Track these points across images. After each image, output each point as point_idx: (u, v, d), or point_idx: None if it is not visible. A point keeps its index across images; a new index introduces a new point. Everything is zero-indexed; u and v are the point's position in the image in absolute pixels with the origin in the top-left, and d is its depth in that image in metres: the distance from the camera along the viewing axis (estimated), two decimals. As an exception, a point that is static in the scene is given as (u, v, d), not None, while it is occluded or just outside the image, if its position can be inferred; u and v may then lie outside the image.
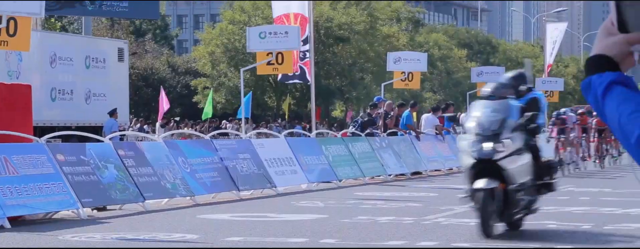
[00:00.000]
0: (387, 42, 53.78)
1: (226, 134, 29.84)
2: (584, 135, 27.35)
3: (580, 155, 26.94)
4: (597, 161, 28.26)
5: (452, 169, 25.10)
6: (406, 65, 27.18)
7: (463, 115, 17.02)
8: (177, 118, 46.47)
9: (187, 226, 12.86)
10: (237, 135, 23.39)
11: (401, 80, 27.22)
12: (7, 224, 12.53)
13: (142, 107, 53.81)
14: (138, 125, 40.93)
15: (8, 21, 13.63)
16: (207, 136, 19.01)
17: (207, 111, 36.89)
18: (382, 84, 29.80)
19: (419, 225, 12.91)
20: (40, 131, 17.43)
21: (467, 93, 35.79)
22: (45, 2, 14.16)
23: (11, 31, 13.73)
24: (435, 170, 25.28)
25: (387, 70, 28.67)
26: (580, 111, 28.38)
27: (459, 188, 18.62)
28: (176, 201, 15.92)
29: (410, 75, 27.10)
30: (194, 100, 53.35)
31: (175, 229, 12.50)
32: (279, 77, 26.21)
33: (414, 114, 27.42)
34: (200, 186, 16.54)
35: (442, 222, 13.31)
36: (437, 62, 59.67)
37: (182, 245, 11.26)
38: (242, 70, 24.91)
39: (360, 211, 14.69)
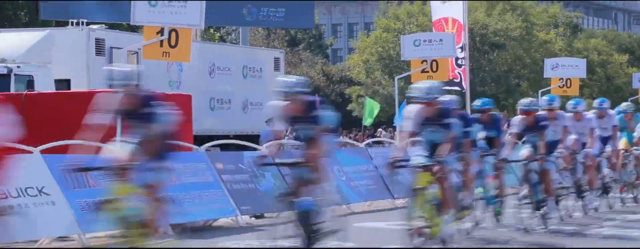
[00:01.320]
0: (544, 48, 52.82)
1: (381, 142, 29.87)
2: None
3: None
4: None
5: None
6: (564, 71, 26.63)
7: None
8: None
9: (343, 234, 12.92)
10: (391, 143, 23.39)
11: (559, 86, 26.68)
12: (170, 231, 12.85)
13: (299, 115, 54.53)
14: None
15: (170, 33, 14.02)
16: (362, 145, 19.07)
17: (368, 119, 36.32)
18: (540, 91, 29.27)
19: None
20: (199, 140, 17.82)
21: (629, 99, 34.82)
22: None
23: (173, 42, 14.12)
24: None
25: (545, 76, 28.16)
26: None
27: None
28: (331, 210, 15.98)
29: (568, 81, 26.53)
30: (348, 108, 53.71)
31: (332, 237, 12.60)
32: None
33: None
34: (356, 194, 16.61)
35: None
36: (596, 67, 58.28)
37: (339, 253, 11.27)
38: (396, 78, 24.90)
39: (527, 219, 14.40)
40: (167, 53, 14.29)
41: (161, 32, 13.97)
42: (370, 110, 35.68)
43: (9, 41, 21.70)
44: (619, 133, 16.94)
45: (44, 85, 20.45)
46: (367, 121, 36.19)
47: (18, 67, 20.86)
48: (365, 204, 16.91)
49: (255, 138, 24.27)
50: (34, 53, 21.56)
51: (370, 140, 23.53)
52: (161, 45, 14.12)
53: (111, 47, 22.83)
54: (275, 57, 29.64)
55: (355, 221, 14.46)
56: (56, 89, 20.54)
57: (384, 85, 51.23)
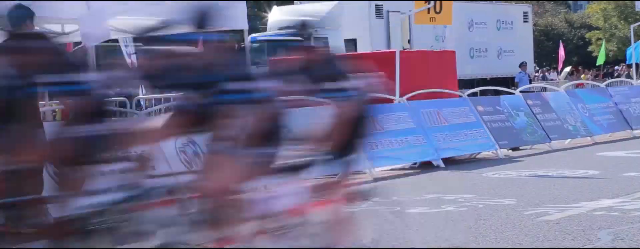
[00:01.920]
0: None
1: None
2: None
3: None
4: None
5: None
6: None
7: None
8: (577, 67, 49.07)
9: (588, 163, 13.71)
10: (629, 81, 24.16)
11: None
12: (441, 164, 14.36)
13: (544, 57, 57.44)
14: (541, 74, 44.74)
15: (435, 2, 16.65)
16: (603, 85, 21.07)
17: (600, 59, 39.88)
18: None
19: None
20: (461, 83, 21.11)
21: None
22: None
23: (437, 9, 16.79)
24: None
25: None
26: None
27: None
28: (577, 141, 17.57)
29: None
30: (588, 49, 56.26)
31: (578, 165, 13.41)
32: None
33: None
34: (598, 127, 18.43)
35: None
36: None
37: (586, 180, 11.81)
38: (632, 26, 25.87)
39: None
40: (434, 19, 16.95)
41: (428, 1, 16.61)
42: (602, 52, 38.80)
43: (306, 11, 24.93)
44: None
45: (335, 45, 22.81)
46: (600, 60, 39.32)
47: (315, 31, 24.09)
48: (607, 135, 18.41)
49: (508, 80, 27.85)
50: (327, 20, 24.89)
51: (609, 80, 25.21)
52: (428, 12, 16.80)
53: (388, 11, 26.53)
54: (524, 10, 33.13)
55: (598, 151, 15.90)
56: (345, 48, 23.24)
57: (620, 28, 52.98)
